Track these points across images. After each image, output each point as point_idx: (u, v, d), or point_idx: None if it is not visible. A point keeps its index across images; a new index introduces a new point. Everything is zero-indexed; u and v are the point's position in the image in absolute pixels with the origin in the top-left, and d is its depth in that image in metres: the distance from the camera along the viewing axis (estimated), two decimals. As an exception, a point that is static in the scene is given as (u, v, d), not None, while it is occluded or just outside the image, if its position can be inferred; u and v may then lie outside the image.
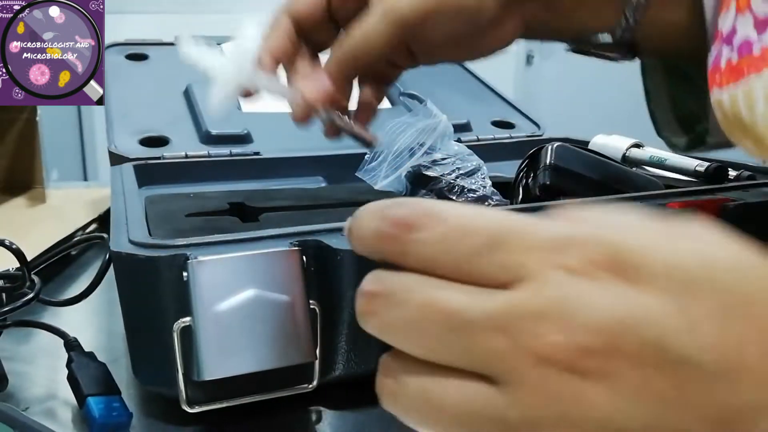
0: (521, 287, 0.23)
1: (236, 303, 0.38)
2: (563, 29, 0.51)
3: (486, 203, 0.61)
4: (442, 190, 0.62)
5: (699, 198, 0.51)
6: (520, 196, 0.58)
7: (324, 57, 0.52)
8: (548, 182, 0.56)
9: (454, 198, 0.61)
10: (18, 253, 0.49)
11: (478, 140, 0.86)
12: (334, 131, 0.51)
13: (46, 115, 0.85)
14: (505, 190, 0.62)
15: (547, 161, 0.56)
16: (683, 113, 0.55)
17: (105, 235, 0.49)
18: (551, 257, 0.23)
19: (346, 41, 0.48)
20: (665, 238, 0.24)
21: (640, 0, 0.47)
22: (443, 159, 0.65)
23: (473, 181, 0.62)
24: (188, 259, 0.38)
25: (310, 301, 0.40)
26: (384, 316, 0.25)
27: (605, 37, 0.49)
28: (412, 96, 0.93)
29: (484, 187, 0.62)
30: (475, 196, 0.61)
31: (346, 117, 0.50)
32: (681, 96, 0.54)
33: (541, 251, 0.23)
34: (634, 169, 0.65)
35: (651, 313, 0.22)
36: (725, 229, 0.24)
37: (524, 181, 0.58)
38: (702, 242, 0.24)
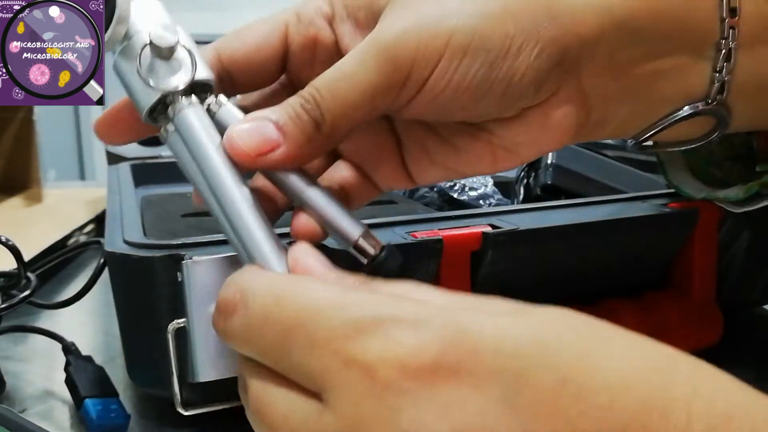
0: (326, 404, 0.22)
1: None
2: (634, 111, 0.36)
3: (486, 202, 0.61)
4: (442, 188, 0.62)
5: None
6: (521, 196, 0.58)
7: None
8: (549, 182, 0.56)
9: (455, 196, 0.61)
10: (13, 249, 0.49)
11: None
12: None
13: (43, 114, 0.85)
14: (507, 189, 0.62)
15: (549, 160, 0.56)
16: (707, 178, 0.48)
17: (102, 240, 0.49)
18: (342, 353, 0.22)
19: (320, 87, 0.32)
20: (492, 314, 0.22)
21: (728, 42, 0.35)
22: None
23: (474, 179, 0.62)
24: (183, 260, 0.38)
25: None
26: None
27: (685, 111, 0.36)
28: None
29: (485, 185, 0.62)
30: (476, 194, 0.61)
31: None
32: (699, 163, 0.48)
33: (331, 344, 0.22)
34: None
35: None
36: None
37: (525, 180, 0.58)
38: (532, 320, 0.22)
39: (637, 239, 0.49)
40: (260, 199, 0.32)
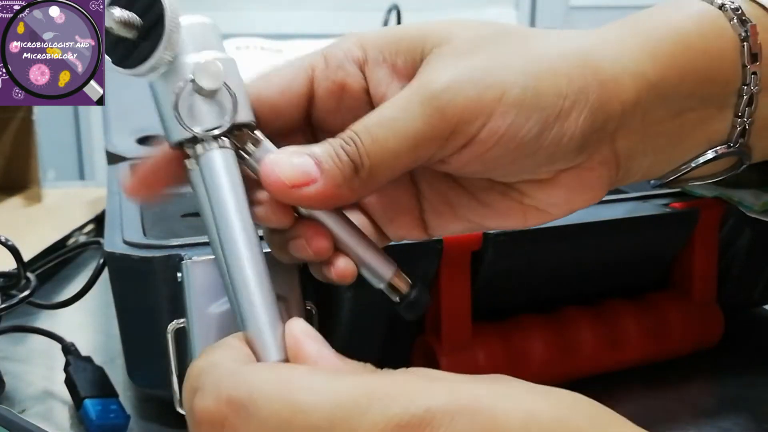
0: None
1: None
2: (658, 161, 0.36)
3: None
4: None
5: (702, 198, 0.51)
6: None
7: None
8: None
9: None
10: (13, 250, 0.49)
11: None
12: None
13: (43, 114, 0.85)
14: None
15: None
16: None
17: (102, 240, 0.49)
18: None
19: (360, 131, 0.31)
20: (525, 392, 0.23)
21: (751, 88, 0.35)
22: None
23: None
24: (182, 260, 0.38)
25: (307, 302, 0.40)
26: None
27: (708, 155, 0.36)
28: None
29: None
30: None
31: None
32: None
33: None
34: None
35: None
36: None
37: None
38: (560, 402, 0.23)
39: (637, 239, 0.49)
40: (315, 233, 0.32)
